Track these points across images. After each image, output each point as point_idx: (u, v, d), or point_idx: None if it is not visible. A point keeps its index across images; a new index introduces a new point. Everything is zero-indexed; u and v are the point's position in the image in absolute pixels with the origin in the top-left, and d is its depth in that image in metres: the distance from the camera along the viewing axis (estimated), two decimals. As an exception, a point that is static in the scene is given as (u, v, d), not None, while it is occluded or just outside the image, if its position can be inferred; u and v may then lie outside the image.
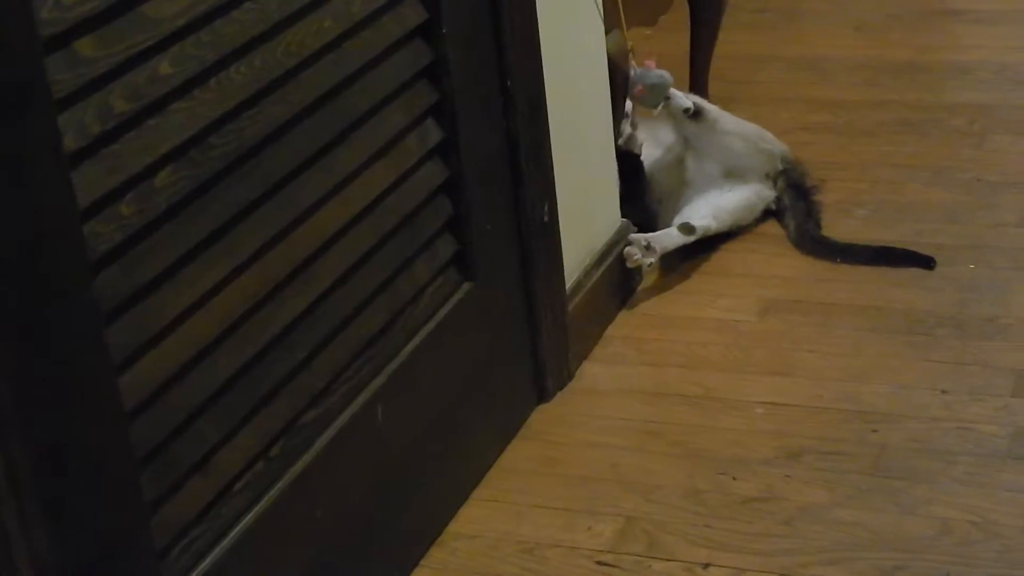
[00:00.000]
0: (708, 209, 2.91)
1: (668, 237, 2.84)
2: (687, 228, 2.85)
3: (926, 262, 2.82)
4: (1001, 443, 2.36)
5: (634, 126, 2.88)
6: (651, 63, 2.84)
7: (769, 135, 3.07)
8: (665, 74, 2.85)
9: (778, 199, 3.01)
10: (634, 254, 2.78)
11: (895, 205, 3.05)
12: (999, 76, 3.56)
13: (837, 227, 2.97)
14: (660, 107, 2.87)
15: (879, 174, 3.17)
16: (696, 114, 2.91)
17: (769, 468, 2.35)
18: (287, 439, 1.93)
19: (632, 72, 2.83)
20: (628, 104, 2.88)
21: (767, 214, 3.03)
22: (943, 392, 2.48)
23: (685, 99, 2.90)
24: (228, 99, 1.78)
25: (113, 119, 1.60)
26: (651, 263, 2.80)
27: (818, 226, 2.96)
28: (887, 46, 3.77)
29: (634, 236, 2.80)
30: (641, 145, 2.91)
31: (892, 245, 2.88)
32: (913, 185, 3.13)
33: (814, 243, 2.92)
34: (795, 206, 2.99)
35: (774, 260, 2.92)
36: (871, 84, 3.59)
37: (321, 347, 1.98)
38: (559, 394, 2.57)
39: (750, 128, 3.05)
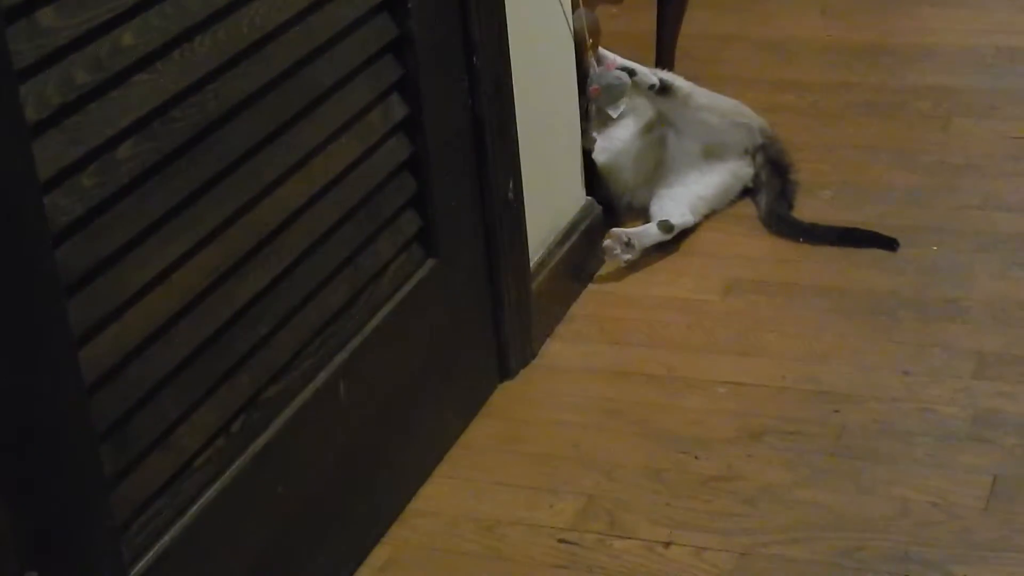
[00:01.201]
0: (686, 201, 2.90)
1: (647, 235, 2.83)
2: (666, 226, 2.84)
3: (889, 244, 2.83)
4: (961, 424, 2.36)
5: (590, 122, 2.86)
6: (611, 64, 2.84)
7: (746, 109, 3.07)
8: (623, 76, 2.85)
9: (755, 175, 3.01)
10: (614, 250, 2.79)
11: (859, 187, 3.06)
12: (964, 59, 3.57)
13: (801, 208, 2.97)
14: (620, 110, 2.87)
15: (843, 155, 3.17)
16: (663, 90, 2.90)
17: (730, 447, 2.36)
18: (248, 415, 1.92)
19: (591, 71, 2.82)
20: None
21: (742, 192, 3.03)
22: (904, 373, 2.49)
23: (651, 76, 2.90)
24: (191, 72, 1.77)
25: (75, 90, 1.59)
26: (629, 259, 2.80)
27: (790, 206, 2.96)
28: (853, 28, 3.77)
29: (615, 231, 2.80)
30: (594, 141, 2.89)
31: (856, 226, 2.88)
32: (877, 167, 3.13)
33: (779, 222, 2.92)
34: (770, 183, 2.99)
35: (738, 240, 2.92)
36: (836, 66, 3.59)
37: (283, 323, 1.98)
38: (522, 372, 2.57)
39: (726, 102, 3.04)
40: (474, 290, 2.45)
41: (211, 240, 1.83)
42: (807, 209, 2.97)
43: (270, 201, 1.93)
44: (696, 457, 2.34)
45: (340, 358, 2.10)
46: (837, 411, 2.41)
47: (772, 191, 2.98)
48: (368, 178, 2.14)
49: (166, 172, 1.74)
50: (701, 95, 2.98)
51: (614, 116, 2.88)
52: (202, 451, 1.84)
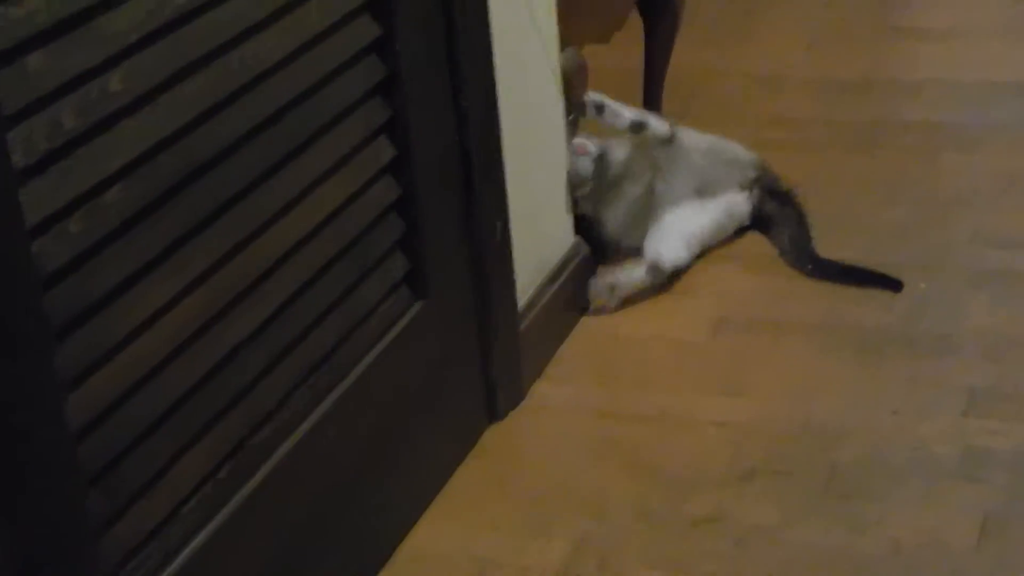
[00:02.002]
0: (677, 241, 2.88)
1: (634, 279, 2.83)
2: (655, 269, 2.83)
3: (894, 284, 2.81)
4: (952, 463, 2.36)
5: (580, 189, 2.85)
6: (581, 148, 2.82)
7: (733, 145, 3.06)
8: (588, 165, 2.82)
9: (759, 209, 3.00)
10: (600, 295, 2.78)
11: (847, 222, 3.05)
12: (950, 94, 3.58)
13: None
14: (586, 191, 2.85)
15: (831, 191, 3.17)
16: (640, 128, 2.90)
17: (720, 488, 2.35)
18: (236, 460, 1.91)
19: (569, 146, 2.81)
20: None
21: (741, 230, 3.02)
22: (894, 411, 2.49)
23: (630, 115, 2.90)
24: (179, 115, 1.76)
25: (63, 135, 1.59)
26: (615, 305, 2.80)
27: (809, 233, 2.96)
28: (839, 63, 3.78)
29: (602, 275, 2.79)
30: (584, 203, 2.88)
31: (847, 263, 2.87)
32: (865, 202, 3.13)
33: (797, 251, 2.91)
34: (783, 214, 2.98)
35: (726, 278, 2.92)
36: (823, 101, 3.59)
37: (272, 366, 1.97)
38: (511, 413, 2.56)
39: (710, 141, 3.04)
40: (463, 332, 2.44)
41: (199, 284, 1.82)
42: (795, 246, 2.98)
43: (258, 244, 1.92)
44: (686, 498, 2.33)
45: (329, 401, 2.09)
46: (827, 450, 2.41)
47: (790, 223, 2.96)
48: (356, 220, 2.13)
49: (154, 216, 1.73)
50: (685, 137, 2.98)
51: (578, 197, 2.84)
52: (190, 497, 1.83)
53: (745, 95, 3.66)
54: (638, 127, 2.89)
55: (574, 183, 2.80)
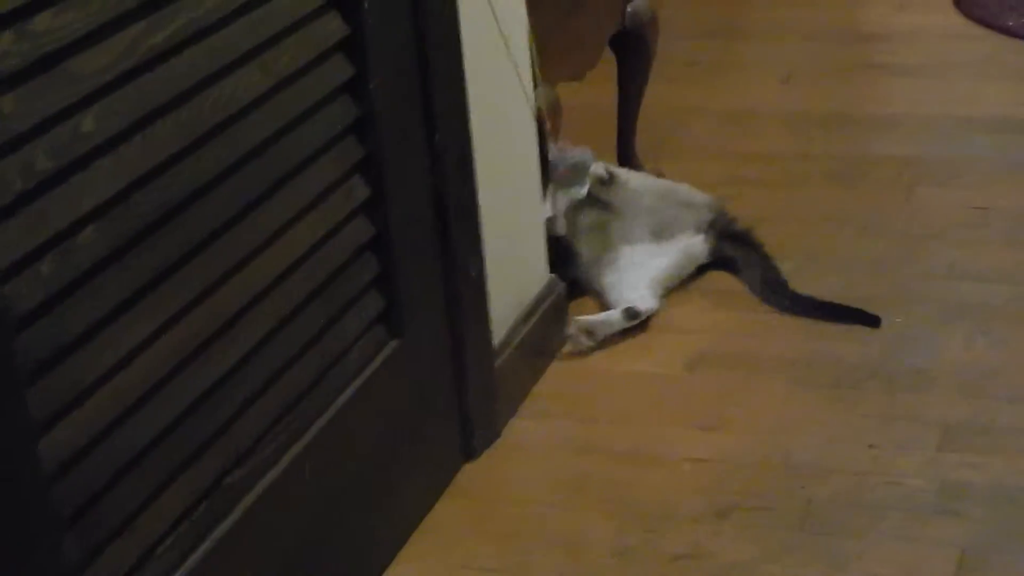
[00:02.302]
0: (645, 286, 2.88)
1: (611, 324, 2.82)
2: (631, 313, 2.83)
3: (872, 320, 2.81)
4: (928, 497, 2.36)
5: (555, 207, 2.85)
6: (566, 142, 2.83)
7: (685, 187, 3.07)
8: (585, 152, 2.83)
9: (719, 252, 3.00)
10: (578, 342, 2.78)
11: (823, 257, 3.06)
12: (925, 128, 3.59)
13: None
14: (586, 189, 2.86)
15: (807, 226, 3.18)
16: (609, 180, 2.92)
17: (697, 524, 2.34)
18: (212, 500, 1.90)
19: (551, 153, 2.82)
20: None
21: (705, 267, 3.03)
22: (870, 446, 2.48)
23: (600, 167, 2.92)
24: (153, 155, 1.76)
25: (35, 176, 1.58)
26: (592, 346, 2.80)
27: (777, 268, 2.96)
28: (814, 99, 3.79)
29: (578, 320, 2.79)
30: (564, 225, 2.89)
31: (823, 299, 2.87)
32: (840, 237, 3.14)
33: (770, 289, 2.92)
34: (745, 254, 2.98)
35: (702, 314, 2.91)
36: (799, 137, 3.60)
37: (247, 405, 1.96)
38: (487, 451, 2.55)
39: (662, 184, 3.05)
40: (438, 370, 2.44)
41: (174, 324, 1.82)
42: (771, 281, 2.97)
43: (233, 284, 1.92)
44: (663, 535, 2.33)
45: (304, 441, 2.08)
46: (803, 486, 2.40)
47: (757, 263, 2.96)
48: (331, 260, 2.13)
49: (128, 257, 1.73)
50: (635, 179, 2.99)
51: (581, 195, 2.86)
52: (165, 538, 1.82)
53: (720, 131, 3.66)
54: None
55: (581, 171, 2.80)
